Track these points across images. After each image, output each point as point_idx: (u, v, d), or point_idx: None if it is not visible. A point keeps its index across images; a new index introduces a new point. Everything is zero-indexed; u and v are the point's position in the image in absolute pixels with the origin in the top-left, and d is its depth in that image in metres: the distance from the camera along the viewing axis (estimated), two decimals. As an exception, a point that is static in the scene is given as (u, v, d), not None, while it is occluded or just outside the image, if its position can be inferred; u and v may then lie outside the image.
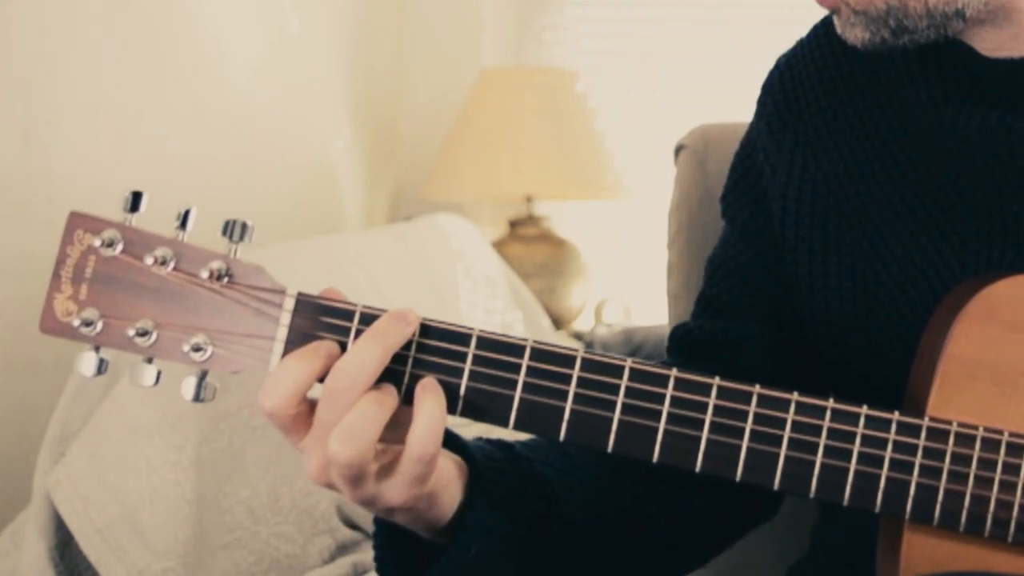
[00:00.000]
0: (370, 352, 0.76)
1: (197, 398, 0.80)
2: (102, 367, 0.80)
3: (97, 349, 0.80)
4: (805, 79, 1.02)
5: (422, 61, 2.86)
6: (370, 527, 1.44)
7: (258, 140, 2.28)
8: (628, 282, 2.79)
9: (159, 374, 0.80)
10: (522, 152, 2.54)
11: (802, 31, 1.05)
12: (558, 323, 2.58)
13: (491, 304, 2.19)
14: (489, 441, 0.88)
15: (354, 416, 0.75)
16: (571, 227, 2.75)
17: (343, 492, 0.78)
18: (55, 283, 0.80)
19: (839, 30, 0.90)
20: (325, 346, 0.78)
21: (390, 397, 0.77)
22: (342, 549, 1.42)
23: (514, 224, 2.65)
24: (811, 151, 0.99)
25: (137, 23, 1.93)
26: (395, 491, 0.77)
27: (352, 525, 1.44)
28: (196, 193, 2.03)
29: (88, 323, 0.79)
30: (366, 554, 1.42)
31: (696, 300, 1.05)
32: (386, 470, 0.77)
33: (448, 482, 0.81)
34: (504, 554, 0.83)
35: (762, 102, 1.05)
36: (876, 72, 0.98)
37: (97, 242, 0.79)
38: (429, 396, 0.77)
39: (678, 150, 1.45)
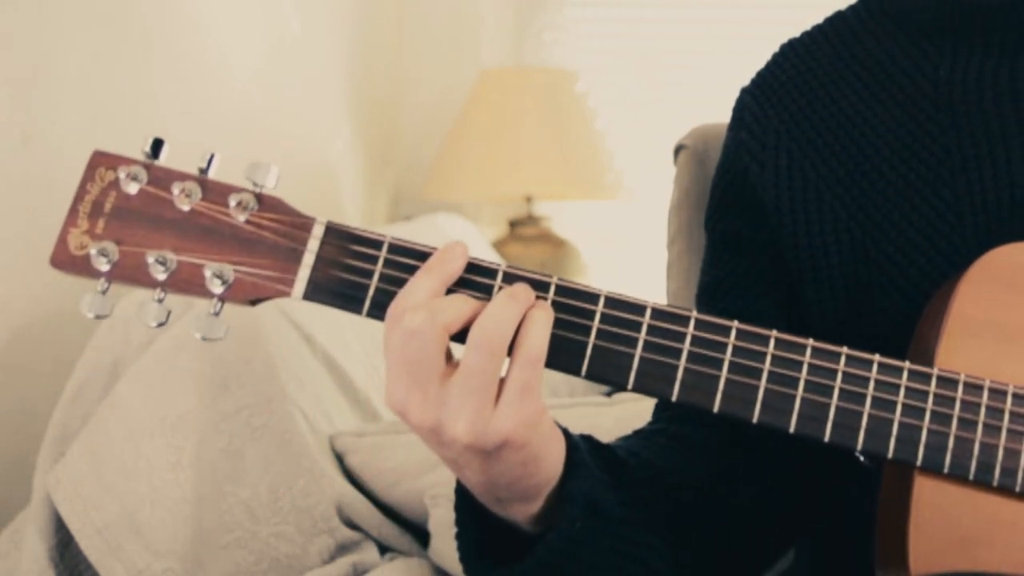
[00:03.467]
0: (422, 284, 0.77)
1: (208, 336, 0.78)
2: (105, 308, 0.78)
3: (105, 290, 0.78)
4: (778, 88, 1.03)
5: (422, 61, 2.86)
6: (371, 528, 1.44)
7: (258, 140, 2.28)
8: (628, 282, 2.79)
9: (168, 314, 0.78)
10: (522, 152, 2.53)
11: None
12: (558, 323, 2.57)
13: (491, 304, 2.19)
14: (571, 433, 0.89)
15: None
16: (571, 227, 2.75)
17: (456, 428, 0.76)
18: (71, 218, 0.78)
19: None
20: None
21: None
22: (342, 549, 1.42)
23: (514, 224, 2.65)
24: (796, 143, 1.00)
25: (137, 23, 1.93)
26: (505, 411, 0.76)
27: (352, 525, 1.44)
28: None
29: (103, 254, 0.77)
30: (366, 554, 1.42)
31: None
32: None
33: (556, 441, 0.82)
34: (605, 534, 0.84)
35: (737, 117, 1.05)
36: (853, 54, 1.00)
37: (122, 174, 0.78)
38: (540, 310, 0.78)
39: (678, 150, 1.45)
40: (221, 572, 1.34)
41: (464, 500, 0.85)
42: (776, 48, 1.07)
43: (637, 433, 1.01)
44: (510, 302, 0.77)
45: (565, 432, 0.85)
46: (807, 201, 0.99)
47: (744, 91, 1.06)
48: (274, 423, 1.41)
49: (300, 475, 1.41)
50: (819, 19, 1.05)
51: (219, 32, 2.16)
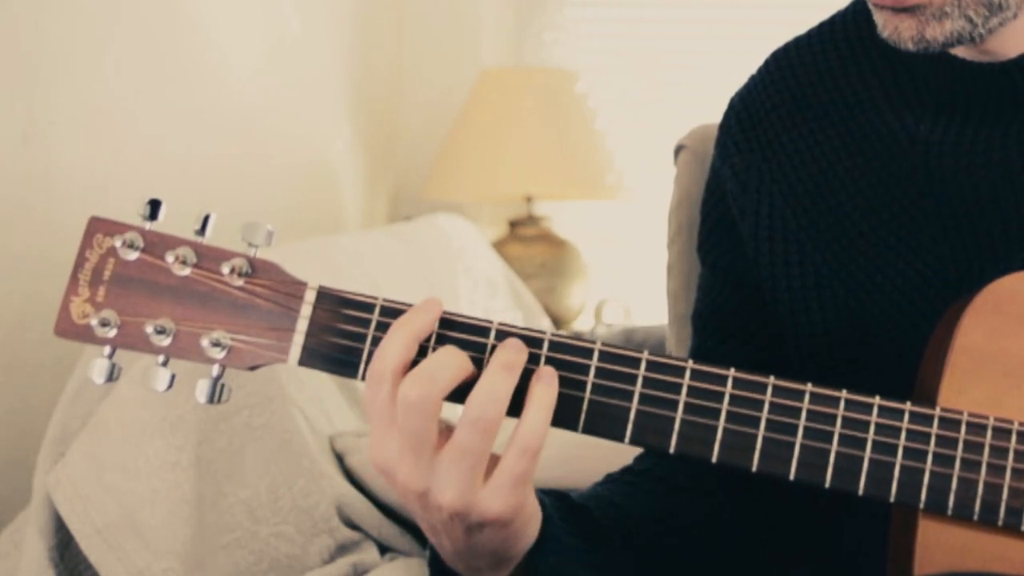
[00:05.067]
0: (451, 361, 0.76)
1: (212, 399, 0.80)
2: (113, 373, 0.80)
3: (111, 355, 0.80)
4: (763, 116, 1.01)
5: (422, 61, 2.86)
6: (371, 528, 1.44)
7: (258, 140, 2.28)
8: (628, 282, 2.79)
9: (173, 378, 0.80)
10: (522, 152, 2.53)
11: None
12: (558, 323, 2.58)
13: (491, 304, 2.19)
14: (544, 492, 0.88)
15: (489, 380, 0.75)
16: (571, 227, 2.75)
17: (444, 496, 0.75)
18: (72, 286, 0.80)
19: (903, 35, 0.85)
20: (421, 313, 0.77)
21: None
22: (342, 549, 1.42)
23: (514, 224, 2.65)
24: (777, 187, 0.98)
25: (137, 23, 1.93)
26: (496, 494, 0.76)
27: (352, 525, 1.44)
28: (196, 194, 2.03)
29: (105, 323, 0.79)
30: (366, 554, 1.42)
31: (690, 356, 1.05)
32: (486, 473, 0.76)
33: (536, 517, 0.81)
34: None
35: (722, 143, 1.04)
36: (834, 100, 0.97)
37: (118, 243, 0.79)
38: (543, 387, 0.77)
39: (678, 150, 1.45)
40: (221, 572, 1.34)
41: (436, 566, 0.85)
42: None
43: (624, 473, 1.01)
44: (504, 375, 0.75)
45: (541, 503, 0.84)
46: (788, 253, 0.97)
47: (732, 106, 1.04)
48: (274, 423, 1.41)
49: (300, 475, 1.41)
50: (819, 19, 1.04)
51: (219, 32, 2.16)
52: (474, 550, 0.79)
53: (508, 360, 0.76)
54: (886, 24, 0.87)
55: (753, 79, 1.04)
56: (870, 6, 0.89)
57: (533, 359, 0.79)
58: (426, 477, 0.76)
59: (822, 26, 1.02)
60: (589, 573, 0.85)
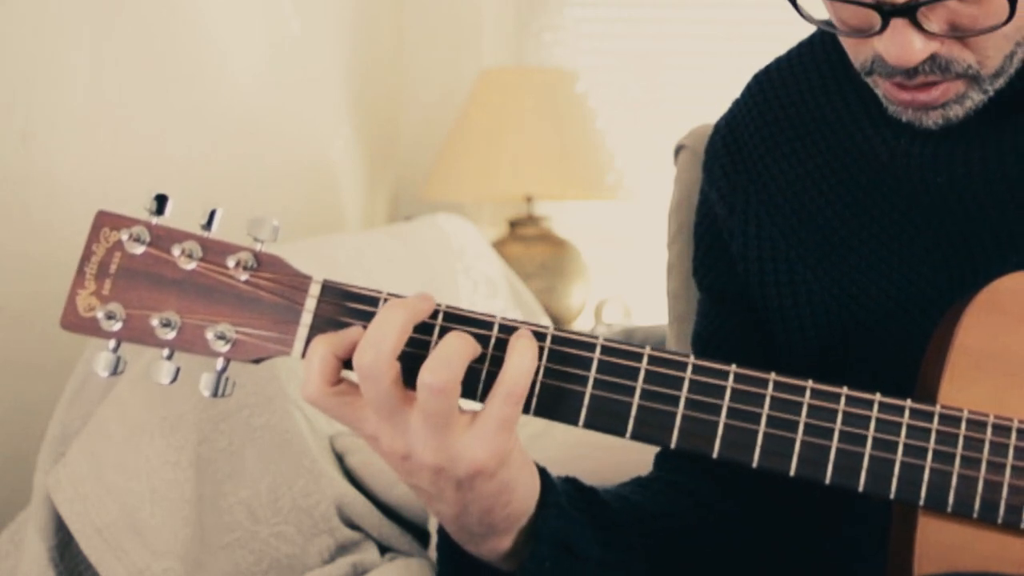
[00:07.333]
0: (390, 320, 0.75)
1: (216, 393, 0.80)
2: (118, 366, 0.80)
3: (116, 348, 0.80)
4: (748, 138, 1.02)
5: (422, 61, 2.86)
6: (371, 528, 1.44)
7: (258, 140, 2.28)
8: (628, 282, 2.79)
9: (177, 371, 0.80)
10: (522, 152, 2.54)
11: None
12: (558, 323, 2.58)
13: (491, 304, 2.19)
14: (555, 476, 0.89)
15: (444, 346, 0.75)
16: (571, 227, 2.75)
17: (425, 455, 0.76)
18: (78, 279, 0.80)
19: (926, 121, 0.88)
20: (349, 330, 0.78)
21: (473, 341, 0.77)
22: (342, 549, 1.42)
23: (514, 224, 2.65)
24: (764, 208, 0.99)
25: (137, 24, 1.93)
26: (479, 440, 0.76)
27: (352, 525, 1.44)
28: (196, 194, 2.03)
29: (111, 316, 0.80)
30: (366, 554, 1.42)
31: None
32: (470, 420, 0.77)
33: (528, 471, 0.81)
34: (579, 574, 0.83)
35: (708, 167, 1.05)
36: (815, 120, 0.98)
37: (125, 236, 0.80)
38: (524, 340, 0.77)
39: (678, 150, 1.45)
40: (221, 572, 1.34)
41: (444, 541, 0.86)
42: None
43: (635, 480, 1.01)
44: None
45: (541, 470, 0.84)
46: (778, 272, 0.98)
47: (717, 130, 1.05)
48: (274, 423, 1.41)
49: (300, 475, 1.41)
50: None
51: (220, 33, 2.16)
52: (470, 509, 0.80)
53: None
54: (904, 113, 0.89)
55: (737, 103, 1.06)
56: (879, 95, 0.90)
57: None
58: (404, 438, 0.76)
59: (801, 46, 1.04)
60: (595, 546, 0.85)
